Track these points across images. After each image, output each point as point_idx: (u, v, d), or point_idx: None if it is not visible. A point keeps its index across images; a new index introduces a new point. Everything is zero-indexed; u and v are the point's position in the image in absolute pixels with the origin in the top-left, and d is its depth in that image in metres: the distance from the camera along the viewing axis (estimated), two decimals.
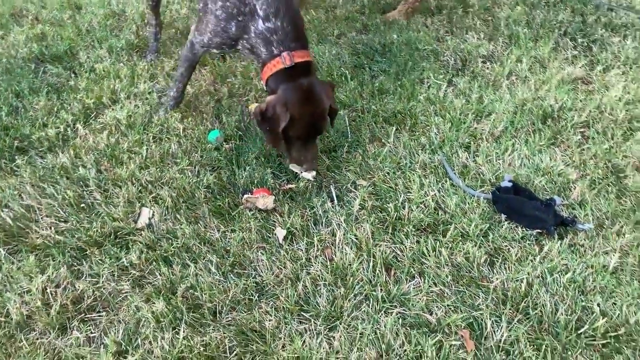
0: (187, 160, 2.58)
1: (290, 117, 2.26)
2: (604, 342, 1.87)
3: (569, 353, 1.85)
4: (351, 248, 2.19)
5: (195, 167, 2.56)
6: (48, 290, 2.01)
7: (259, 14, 2.30)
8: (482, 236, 2.23)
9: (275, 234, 2.27)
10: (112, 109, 2.93)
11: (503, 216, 2.30)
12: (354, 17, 3.94)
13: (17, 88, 3.07)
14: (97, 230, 2.24)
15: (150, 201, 2.39)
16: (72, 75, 3.26)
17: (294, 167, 2.55)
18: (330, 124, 2.51)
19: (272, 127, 2.31)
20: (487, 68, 3.30)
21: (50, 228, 2.26)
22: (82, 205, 2.38)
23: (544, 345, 1.86)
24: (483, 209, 2.34)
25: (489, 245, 2.20)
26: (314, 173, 2.54)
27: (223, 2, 2.36)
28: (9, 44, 3.58)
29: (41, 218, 2.31)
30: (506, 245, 2.20)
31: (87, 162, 2.57)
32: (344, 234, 2.24)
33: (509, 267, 2.12)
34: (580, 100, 2.99)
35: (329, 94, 2.38)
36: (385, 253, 2.17)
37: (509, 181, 2.39)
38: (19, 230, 2.24)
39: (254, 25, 2.33)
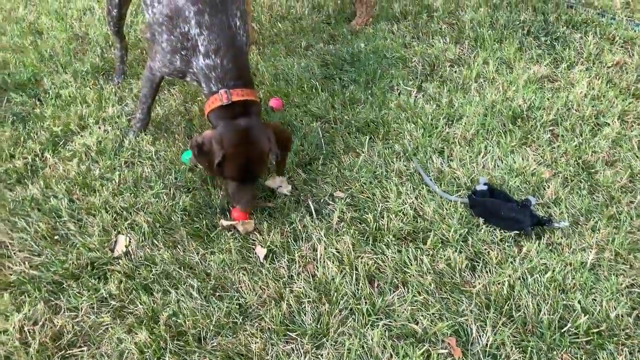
0: (162, 184, 2.55)
1: (224, 155, 2.22)
2: (587, 339, 1.90)
3: (554, 352, 1.87)
4: (333, 262, 2.18)
5: (170, 190, 2.53)
6: (25, 329, 1.95)
7: (200, 50, 2.30)
8: (462, 241, 2.25)
9: (255, 253, 2.25)
10: (81, 136, 2.88)
11: (481, 220, 2.33)
12: (320, 27, 3.95)
13: None
14: (73, 262, 2.19)
15: (126, 228, 2.35)
16: (38, 102, 3.19)
17: (270, 184, 2.54)
18: (278, 169, 2.43)
19: (208, 162, 2.28)
20: (455, 72, 3.34)
21: (24, 263, 2.20)
22: (56, 237, 2.32)
23: (529, 347, 1.87)
24: (461, 214, 2.36)
25: (469, 250, 2.22)
26: (289, 187, 2.54)
27: (168, 35, 2.37)
28: None
29: (14, 253, 2.25)
30: (486, 249, 2.22)
31: (59, 192, 2.51)
32: (324, 248, 2.24)
33: (490, 271, 2.14)
34: (548, 99, 3.05)
35: (270, 138, 2.29)
36: (368, 265, 2.17)
37: (484, 184, 2.41)
38: None
39: (195, 60, 2.34)
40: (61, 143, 2.85)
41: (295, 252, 2.24)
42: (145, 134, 2.85)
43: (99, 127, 2.92)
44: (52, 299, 2.09)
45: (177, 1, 2.30)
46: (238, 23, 2.39)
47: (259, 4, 4.25)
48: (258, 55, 3.60)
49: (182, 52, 2.37)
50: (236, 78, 2.32)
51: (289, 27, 3.95)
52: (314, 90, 3.21)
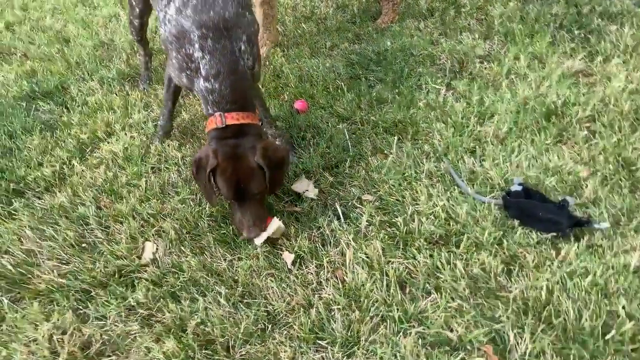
0: (188, 189, 2.53)
1: (217, 164, 2.19)
2: (634, 347, 1.80)
3: None
4: (362, 267, 2.12)
5: (196, 196, 2.51)
6: (54, 338, 1.95)
7: (201, 72, 2.30)
8: (497, 244, 2.16)
9: (283, 259, 2.21)
10: (108, 142, 2.89)
11: (516, 222, 2.24)
12: (345, 27, 3.90)
13: (9, 128, 3.03)
14: (100, 270, 2.18)
15: (153, 235, 2.33)
16: (65, 110, 3.21)
17: (296, 188, 2.50)
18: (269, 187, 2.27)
19: (204, 175, 2.23)
20: (485, 68, 3.25)
21: (53, 271, 2.20)
22: (84, 245, 2.32)
23: (571, 355, 1.78)
24: (495, 216, 2.28)
25: (504, 253, 2.13)
26: (316, 191, 2.49)
27: (176, 53, 2.37)
28: None
29: (42, 262, 2.26)
30: (522, 252, 2.13)
31: (86, 199, 2.52)
32: (353, 253, 2.18)
33: (527, 275, 2.05)
34: (583, 94, 2.93)
35: (257, 151, 2.21)
36: (398, 270, 2.10)
37: (519, 184, 2.32)
38: (21, 277, 2.19)
39: (197, 82, 2.34)
40: (88, 150, 2.86)
41: (324, 257, 2.18)
42: (171, 140, 2.84)
43: (126, 134, 2.92)
44: (81, 307, 2.08)
45: (184, 24, 2.29)
46: (243, 47, 2.35)
47: (283, 5, 4.22)
48: (282, 57, 3.56)
49: (187, 72, 2.37)
50: (232, 102, 2.30)
51: (313, 28, 3.91)
52: (339, 90, 3.15)
